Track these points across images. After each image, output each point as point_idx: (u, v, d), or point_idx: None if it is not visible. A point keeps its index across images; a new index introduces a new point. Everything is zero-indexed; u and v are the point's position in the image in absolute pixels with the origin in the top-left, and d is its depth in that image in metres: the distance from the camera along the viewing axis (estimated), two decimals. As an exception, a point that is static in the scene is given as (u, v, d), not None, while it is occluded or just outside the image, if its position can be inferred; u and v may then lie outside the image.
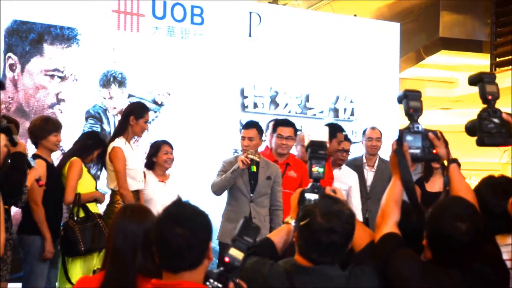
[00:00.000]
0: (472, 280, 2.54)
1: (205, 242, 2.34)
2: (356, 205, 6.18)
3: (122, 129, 5.48)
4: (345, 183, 6.22)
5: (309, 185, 2.84)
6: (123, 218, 2.81)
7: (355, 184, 6.36)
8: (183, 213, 2.34)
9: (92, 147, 5.54)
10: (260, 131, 5.80)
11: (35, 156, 5.20)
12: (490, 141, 2.83)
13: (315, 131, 2.90)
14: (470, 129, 2.88)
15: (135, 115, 5.46)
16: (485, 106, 2.85)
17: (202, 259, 2.32)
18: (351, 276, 2.58)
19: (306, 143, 2.89)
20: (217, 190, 5.69)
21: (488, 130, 2.81)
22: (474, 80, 2.89)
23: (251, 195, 5.68)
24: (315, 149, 2.84)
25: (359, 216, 6.15)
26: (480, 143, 2.85)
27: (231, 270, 2.36)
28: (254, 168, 5.62)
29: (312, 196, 2.78)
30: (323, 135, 2.89)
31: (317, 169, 2.82)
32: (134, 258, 2.71)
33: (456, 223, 2.54)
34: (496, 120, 2.81)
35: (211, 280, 2.31)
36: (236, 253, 2.37)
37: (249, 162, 5.50)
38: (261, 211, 5.69)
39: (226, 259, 2.34)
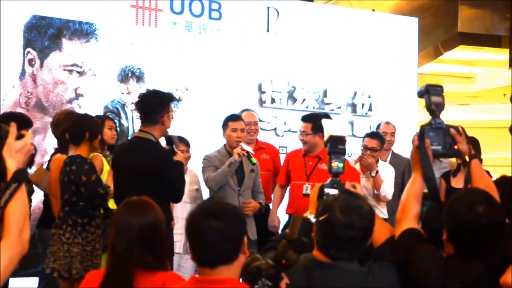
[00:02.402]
0: (493, 274, 2.52)
1: (240, 235, 2.35)
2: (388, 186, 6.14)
3: None
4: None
5: (329, 180, 2.83)
6: (121, 212, 2.84)
7: (388, 177, 6.22)
8: (218, 207, 2.37)
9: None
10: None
11: (57, 151, 5.26)
12: None
13: (334, 126, 2.90)
14: None
15: None
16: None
17: (238, 253, 2.33)
18: (370, 271, 2.57)
19: (325, 138, 2.89)
20: (214, 185, 5.62)
21: None
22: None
23: (239, 188, 5.68)
24: (334, 144, 2.84)
25: (389, 195, 6.13)
26: None
27: (284, 270, 2.37)
28: (253, 161, 5.62)
29: (331, 191, 2.77)
30: (342, 130, 2.89)
31: (336, 164, 2.82)
32: (129, 252, 2.72)
33: (473, 205, 2.53)
34: None
35: (263, 279, 2.31)
36: (292, 255, 2.38)
37: (245, 154, 5.51)
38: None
39: (283, 260, 2.35)
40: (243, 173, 5.70)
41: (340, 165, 2.82)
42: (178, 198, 4.66)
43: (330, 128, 2.88)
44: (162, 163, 4.50)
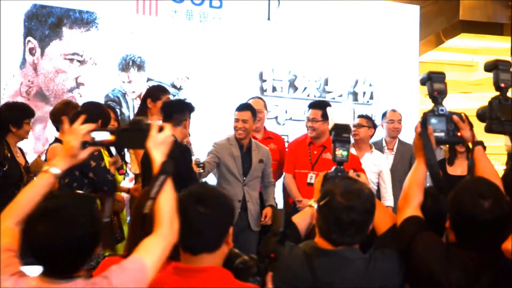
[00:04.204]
0: (496, 264, 2.51)
1: (226, 224, 2.33)
2: (387, 190, 6.17)
3: (142, 112, 5.49)
4: (377, 165, 6.20)
5: (333, 168, 2.83)
6: (141, 200, 2.82)
7: (386, 169, 6.27)
8: (207, 193, 2.34)
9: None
10: (254, 114, 5.80)
11: (56, 140, 5.24)
12: (498, 129, 2.82)
13: (339, 114, 2.90)
14: (481, 115, 2.87)
15: (151, 97, 5.45)
16: (498, 93, 2.84)
17: (221, 242, 2.32)
18: (371, 258, 2.58)
19: (330, 126, 2.89)
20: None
21: (497, 117, 2.80)
22: (490, 66, 2.89)
23: (244, 178, 5.66)
24: (339, 132, 2.83)
25: (390, 200, 6.14)
26: (488, 129, 2.84)
27: (272, 263, 2.37)
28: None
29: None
30: (347, 118, 2.89)
31: (340, 152, 2.82)
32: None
33: (478, 200, 2.51)
34: (507, 108, 2.80)
35: (255, 276, 2.32)
36: (280, 248, 2.39)
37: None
38: (253, 194, 5.69)
39: (272, 254, 2.36)
40: (250, 163, 5.69)
41: (345, 153, 2.83)
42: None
43: (335, 116, 2.88)
44: (183, 164, 4.50)
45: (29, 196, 2.28)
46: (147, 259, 2.10)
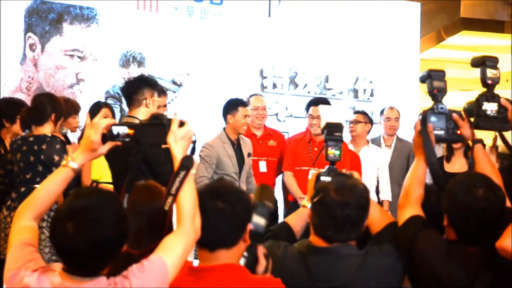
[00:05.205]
0: (496, 263, 2.50)
1: (244, 221, 2.31)
2: (385, 184, 6.17)
3: None
4: (375, 159, 6.20)
5: (326, 167, 2.83)
6: (130, 196, 2.81)
7: (384, 163, 6.29)
8: (225, 189, 2.32)
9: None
10: None
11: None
12: (485, 125, 2.82)
13: (330, 113, 2.89)
14: (469, 110, 2.87)
15: None
16: (484, 90, 2.84)
17: (238, 238, 2.29)
18: (368, 254, 2.57)
19: (322, 125, 2.88)
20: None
21: (484, 114, 2.80)
22: (477, 62, 2.89)
23: (240, 175, 5.64)
24: (331, 131, 2.83)
25: (388, 194, 6.15)
26: (475, 126, 2.84)
27: (256, 238, 2.36)
28: None
29: (328, 179, 2.77)
30: (339, 117, 2.88)
31: (333, 152, 2.82)
32: (139, 238, 2.66)
33: (472, 189, 2.52)
34: (494, 105, 2.80)
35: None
36: (259, 220, 2.38)
37: None
38: (244, 188, 5.65)
39: (251, 226, 2.34)
40: (243, 158, 5.66)
41: (337, 152, 2.82)
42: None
43: (326, 115, 2.87)
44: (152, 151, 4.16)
45: (47, 191, 2.26)
46: (167, 258, 2.07)
